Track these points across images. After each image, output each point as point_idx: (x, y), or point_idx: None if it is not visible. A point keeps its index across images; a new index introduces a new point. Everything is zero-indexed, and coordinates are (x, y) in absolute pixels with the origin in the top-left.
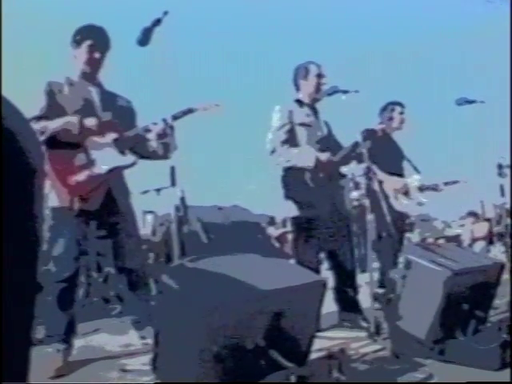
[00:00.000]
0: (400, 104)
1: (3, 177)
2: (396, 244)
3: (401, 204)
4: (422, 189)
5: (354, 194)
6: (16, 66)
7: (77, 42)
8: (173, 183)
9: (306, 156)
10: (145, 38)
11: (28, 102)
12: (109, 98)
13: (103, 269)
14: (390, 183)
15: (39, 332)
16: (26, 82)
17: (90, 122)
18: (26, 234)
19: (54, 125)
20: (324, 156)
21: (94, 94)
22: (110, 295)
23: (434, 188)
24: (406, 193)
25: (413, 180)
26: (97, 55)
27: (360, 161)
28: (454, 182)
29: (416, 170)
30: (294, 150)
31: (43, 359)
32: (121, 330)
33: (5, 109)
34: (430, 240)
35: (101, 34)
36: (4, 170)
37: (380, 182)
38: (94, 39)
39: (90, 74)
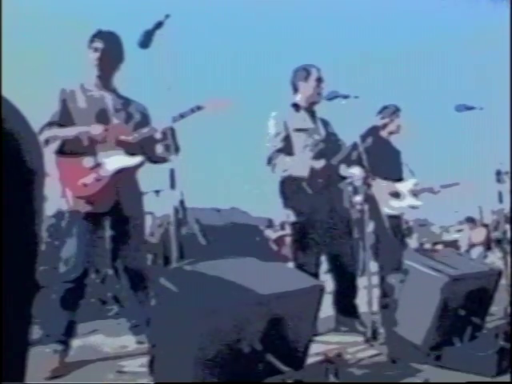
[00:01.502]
0: (395, 107)
1: (3, 177)
2: (397, 249)
3: (390, 207)
4: (415, 192)
5: (357, 199)
6: (20, 67)
7: (88, 47)
8: (172, 186)
9: (299, 165)
10: (146, 41)
11: (30, 103)
12: (122, 104)
13: (101, 270)
14: (381, 186)
15: (36, 332)
16: (28, 82)
17: (97, 131)
18: (25, 235)
19: (62, 134)
20: (319, 164)
21: (108, 101)
22: (108, 296)
23: (430, 190)
24: (398, 195)
25: (408, 184)
26: (97, 55)
27: (359, 164)
28: (454, 184)
29: (411, 173)
30: (288, 158)
31: (40, 359)
32: (118, 332)
33: (5, 109)
34: (428, 245)
35: (107, 36)
36: (3, 170)
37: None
38: (100, 42)
39: (103, 78)
